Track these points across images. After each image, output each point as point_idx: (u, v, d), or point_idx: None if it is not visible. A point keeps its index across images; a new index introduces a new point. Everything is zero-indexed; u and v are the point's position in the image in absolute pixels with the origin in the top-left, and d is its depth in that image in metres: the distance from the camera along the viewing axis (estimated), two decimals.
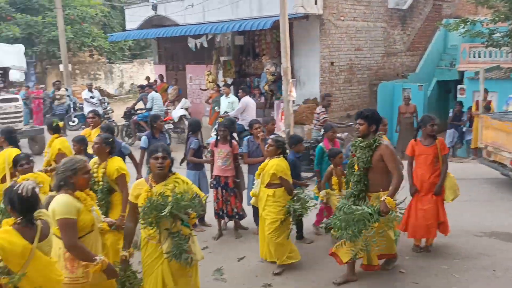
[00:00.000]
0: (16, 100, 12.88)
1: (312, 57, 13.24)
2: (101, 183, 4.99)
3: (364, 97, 14.65)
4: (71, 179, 3.49)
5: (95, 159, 5.24)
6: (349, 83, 14.17)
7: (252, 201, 5.76)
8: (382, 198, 4.50)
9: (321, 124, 9.48)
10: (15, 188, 3.11)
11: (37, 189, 3.17)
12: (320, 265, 5.58)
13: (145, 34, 16.75)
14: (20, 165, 5.02)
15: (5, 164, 5.56)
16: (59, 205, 3.41)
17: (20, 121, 12.59)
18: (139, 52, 32.59)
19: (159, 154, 3.81)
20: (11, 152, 5.64)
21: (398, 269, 5.34)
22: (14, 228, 3.03)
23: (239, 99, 11.59)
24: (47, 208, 3.45)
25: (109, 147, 5.12)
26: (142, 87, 14.89)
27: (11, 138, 6.01)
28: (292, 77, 12.20)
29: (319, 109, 10.09)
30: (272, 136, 5.78)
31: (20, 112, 12.82)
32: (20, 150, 5.86)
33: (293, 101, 12.08)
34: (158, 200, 3.69)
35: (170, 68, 18.45)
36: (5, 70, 14.54)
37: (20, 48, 22.18)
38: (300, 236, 6.39)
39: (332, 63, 13.51)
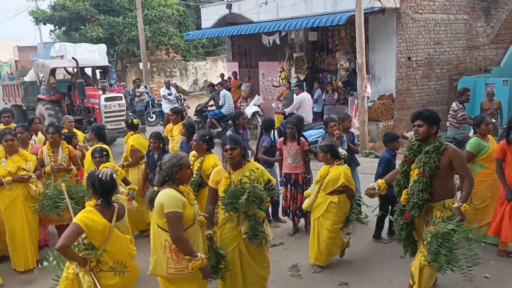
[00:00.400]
0: (120, 98, 12.98)
1: (388, 52, 12.88)
2: (194, 176, 5.25)
3: (443, 92, 14.04)
4: (176, 174, 3.65)
5: (194, 152, 5.51)
6: (427, 79, 13.64)
7: (306, 205, 5.66)
8: (455, 205, 4.16)
9: (459, 122, 9.04)
10: (96, 173, 3.59)
11: (114, 176, 3.63)
12: (397, 265, 5.46)
13: (219, 32, 17.13)
14: (94, 157, 5.57)
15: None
16: (167, 199, 3.56)
17: (123, 120, 12.09)
18: (212, 50, 33.35)
19: (227, 146, 4.17)
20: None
21: (483, 275, 5.10)
22: (96, 209, 3.52)
23: (295, 96, 11.63)
24: (152, 203, 3.67)
25: (206, 144, 5.35)
26: (212, 85, 15.18)
27: (101, 134, 6.37)
28: (367, 73, 11.96)
29: (456, 105, 9.17)
30: (321, 143, 5.60)
31: (123, 110, 12.87)
32: (109, 146, 6.22)
33: (368, 97, 11.86)
34: (236, 187, 4.06)
35: (243, 65, 18.73)
36: (106, 69, 14.66)
37: (103, 47, 23.58)
38: (377, 235, 6.29)
39: (409, 58, 13.07)
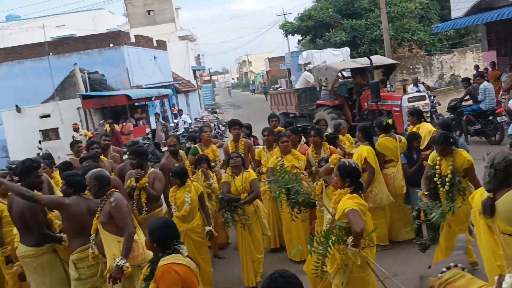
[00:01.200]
0: (423, 98, 11.87)
1: None
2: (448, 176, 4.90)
3: None
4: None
5: (434, 153, 5.14)
6: None
7: None
8: None
9: None
10: (347, 163, 4.01)
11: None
12: None
13: (474, 20, 15.66)
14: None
15: (360, 160, 5.93)
16: None
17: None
18: (459, 41, 30.83)
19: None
20: (363, 149, 6.07)
21: None
22: (357, 194, 3.94)
23: None
24: (490, 211, 3.14)
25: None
26: (467, 80, 13.81)
27: (368, 134, 6.29)
28: None
29: None
30: None
31: (427, 112, 11.29)
32: (374, 146, 6.22)
33: None
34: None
35: (502, 54, 16.71)
36: (392, 67, 13.83)
37: (346, 50, 24.22)
38: None
39: None
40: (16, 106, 19.11)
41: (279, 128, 8.37)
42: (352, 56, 25.00)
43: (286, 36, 30.04)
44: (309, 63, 24.56)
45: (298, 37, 30.62)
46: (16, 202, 4.60)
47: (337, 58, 23.45)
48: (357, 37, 25.77)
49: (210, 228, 5.54)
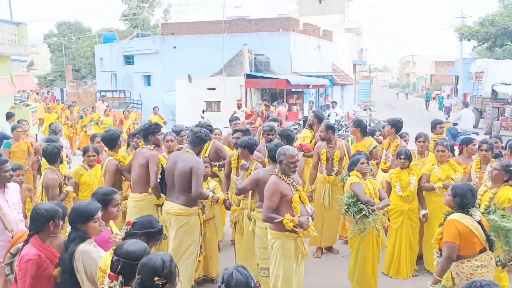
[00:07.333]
0: None
1: None
2: None
3: None
4: None
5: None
6: None
7: None
8: None
9: None
10: None
11: None
12: None
13: None
14: None
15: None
16: None
17: None
18: None
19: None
20: None
21: None
22: None
23: None
24: None
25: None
26: None
27: None
28: None
29: None
30: None
31: None
32: None
33: None
34: None
35: None
36: None
37: None
38: None
39: None
40: (189, 76, 21.07)
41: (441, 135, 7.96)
42: None
43: (461, 40, 28.00)
44: (482, 72, 22.66)
45: (474, 43, 28.31)
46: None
47: None
48: None
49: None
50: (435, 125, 7.98)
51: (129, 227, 3.40)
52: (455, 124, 13.93)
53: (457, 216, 3.98)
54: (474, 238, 3.93)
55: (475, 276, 3.88)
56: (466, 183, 4.33)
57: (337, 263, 6.60)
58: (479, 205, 4.75)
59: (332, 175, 6.65)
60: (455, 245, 3.90)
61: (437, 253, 4.14)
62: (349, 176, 5.50)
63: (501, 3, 31.98)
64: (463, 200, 3.97)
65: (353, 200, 5.23)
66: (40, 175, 6.17)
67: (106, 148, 6.25)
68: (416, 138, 6.72)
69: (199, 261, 5.46)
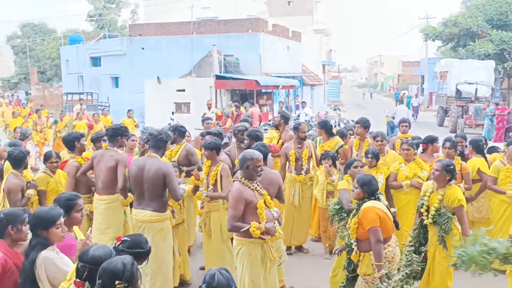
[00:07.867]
0: None
1: None
2: None
3: None
4: None
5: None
6: None
7: None
8: None
9: None
10: None
11: None
12: None
13: None
14: None
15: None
16: None
17: None
18: None
19: None
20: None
21: None
22: None
23: None
24: None
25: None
26: None
27: (479, 147, 6.40)
28: None
29: None
30: None
31: None
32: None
33: None
34: None
35: None
36: None
37: (491, 64, 22.42)
38: None
39: None
40: (158, 77, 20.84)
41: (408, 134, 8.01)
42: (495, 71, 23.12)
43: (426, 40, 28.65)
44: (446, 72, 23.24)
45: (438, 43, 29.00)
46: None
47: (479, 71, 21.84)
48: (505, 51, 23.73)
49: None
50: (399, 123, 8.15)
51: (119, 242, 3.30)
52: (393, 118, 16.69)
53: (371, 203, 4.25)
54: (389, 222, 4.26)
55: (395, 258, 4.30)
56: (366, 174, 4.69)
57: (309, 262, 6.62)
58: (428, 207, 4.86)
59: (302, 174, 6.68)
60: (378, 228, 4.15)
61: (355, 242, 4.32)
62: (342, 179, 5.54)
63: (464, 4, 32.90)
64: (371, 187, 4.28)
65: (336, 208, 5.25)
66: (2, 180, 5.97)
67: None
68: (374, 138, 6.74)
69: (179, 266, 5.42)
